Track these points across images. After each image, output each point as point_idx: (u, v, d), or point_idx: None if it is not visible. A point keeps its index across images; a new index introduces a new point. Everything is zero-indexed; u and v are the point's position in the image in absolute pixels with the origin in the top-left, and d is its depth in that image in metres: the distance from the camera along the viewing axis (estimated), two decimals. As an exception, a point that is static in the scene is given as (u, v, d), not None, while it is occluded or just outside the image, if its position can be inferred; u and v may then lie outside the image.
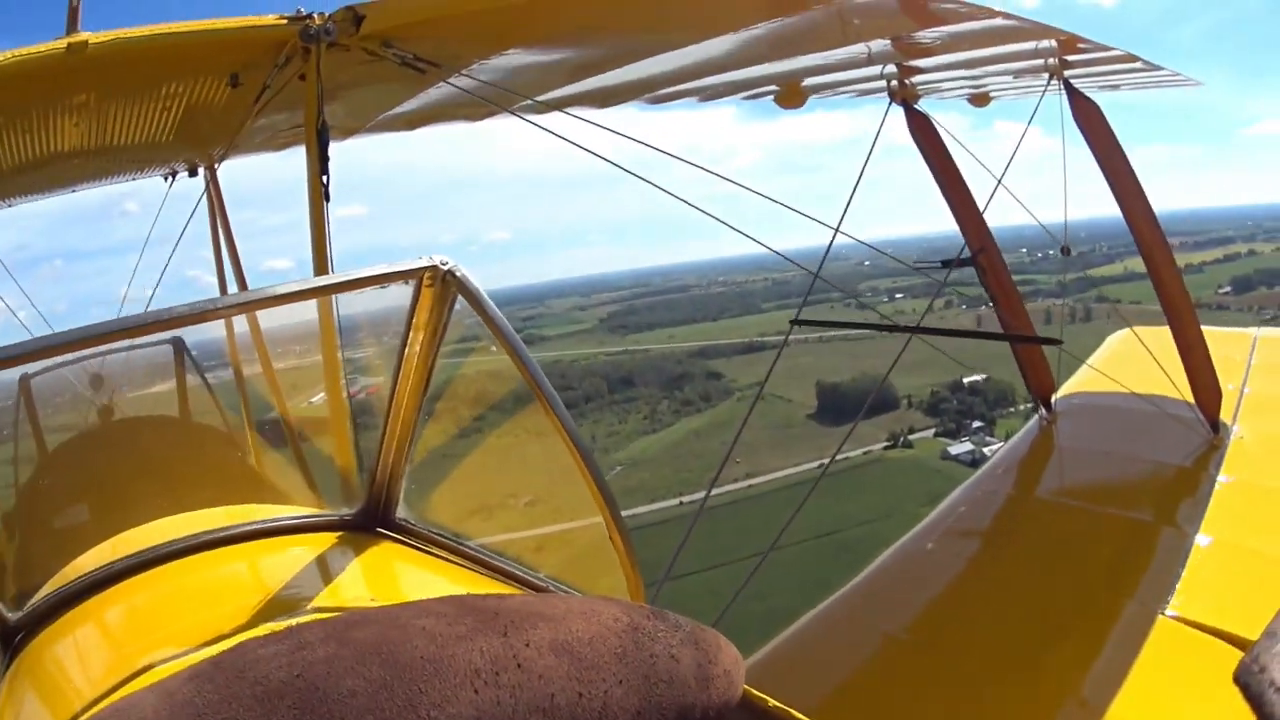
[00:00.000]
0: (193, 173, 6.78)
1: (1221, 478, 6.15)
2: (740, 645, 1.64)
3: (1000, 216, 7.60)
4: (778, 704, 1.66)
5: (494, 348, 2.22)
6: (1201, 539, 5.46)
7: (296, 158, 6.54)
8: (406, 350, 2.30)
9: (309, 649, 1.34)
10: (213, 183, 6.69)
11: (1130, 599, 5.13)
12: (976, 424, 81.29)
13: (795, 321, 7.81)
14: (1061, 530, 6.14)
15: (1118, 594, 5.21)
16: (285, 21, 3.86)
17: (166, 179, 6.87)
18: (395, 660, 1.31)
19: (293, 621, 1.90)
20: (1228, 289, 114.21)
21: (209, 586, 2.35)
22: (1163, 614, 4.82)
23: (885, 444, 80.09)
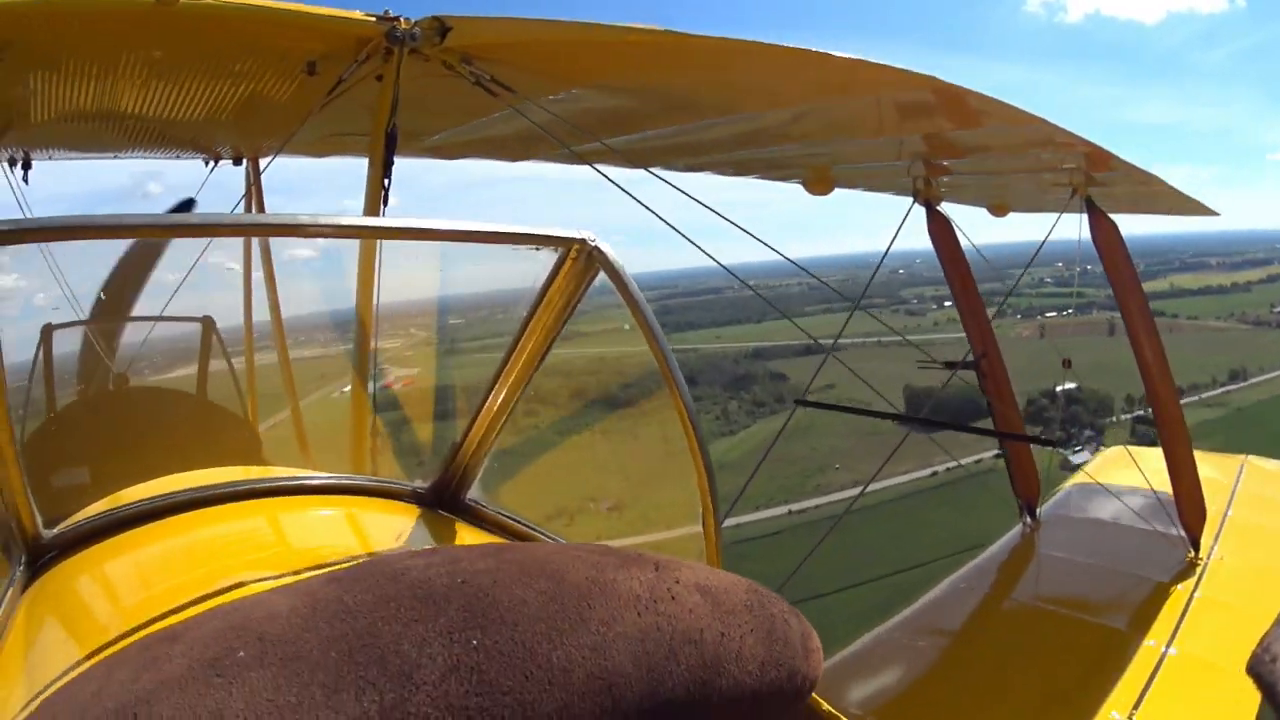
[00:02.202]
0: (237, 161, 6.80)
1: (1198, 595, 6.26)
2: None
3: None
4: (830, 709, 1.71)
5: (627, 326, 2.16)
6: (1174, 652, 5.54)
7: (336, 162, 6.73)
8: (531, 323, 2.20)
9: (465, 561, 1.31)
10: (255, 176, 6.72)
11: (1100, 703, 5.18)
12: (1088, 432, 77.83)
13: (800, 402, 8.04)
14: (1035, 633, 6.21)
15: (1086, 697, 5.25)
16: (374, 19, 3.90)
17: (208, 164, 6.88)
18: (561, 578, 1.30)
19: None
20: None
21: (270, 529, 2.29)
22: None
23: (996, 453, 76.15)
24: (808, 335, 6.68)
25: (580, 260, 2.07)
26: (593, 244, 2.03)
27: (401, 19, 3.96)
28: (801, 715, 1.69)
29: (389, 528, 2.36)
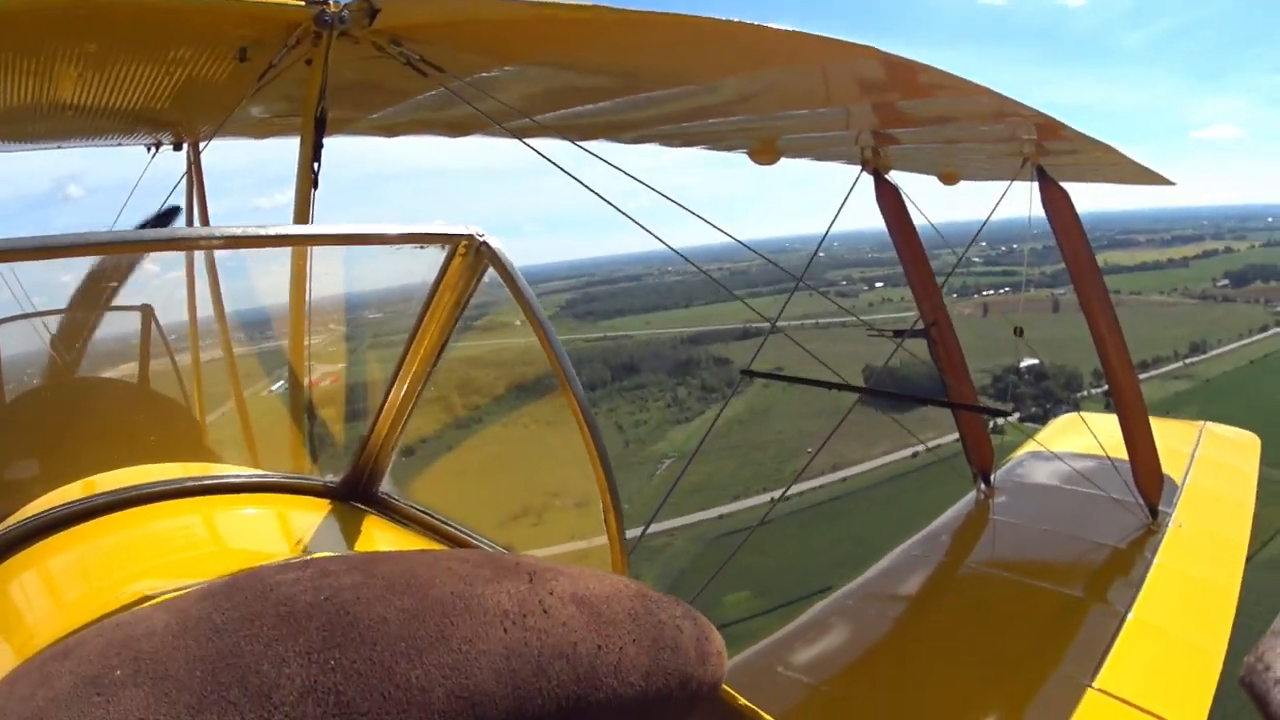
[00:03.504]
0: (177, 146, 6.71)
1: (1155, 561, 6.30)
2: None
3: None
4: (747, 703, 1.69)
5: (519, 322, 2.18)
6: (1132, 618, 5.59)
7: (279, 145, 6.66)
8: (424, 319, 2.23)
9: (333, 576, 1.32)
10: (195, 159, 6.65)
11: (1056, 669, 5.22)
12: (1064, 407, 79.24)
13: (746, 372, 8.00)
14: (990, 599, 6.25)
15: (1044, 663, 5.31)
16: (303, 3, 3.86)
17: (149, 149, 6.77)
18: (425, 593, 1.30)
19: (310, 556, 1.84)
20: (1225, 282, 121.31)
21: (182, 532, 2.30)
22: (1089, 686, 4.92)
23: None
24: (758, 314, 6.65)
25: (469, 256, 2.10)
26: (480, 239, 2.05)
27: (331, 2, 3.90)
28: (718, 713, 1.66)
29: (301, 525, 2.38)
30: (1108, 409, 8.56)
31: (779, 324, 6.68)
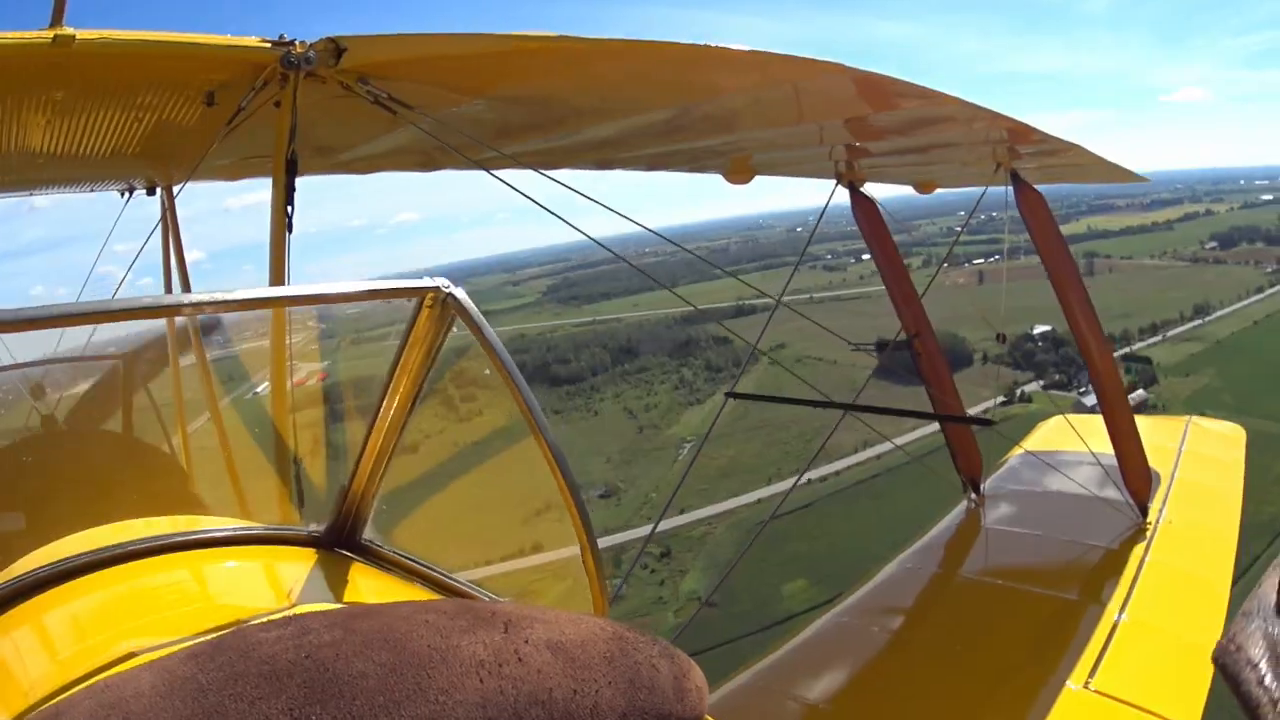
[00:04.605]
0: (150, 191, 6.68)
1: (1148, 559, 6.32)
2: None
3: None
4: None
5: (487, 371, 2.24)
6: (1125, 619, 5.60)
7: (250, 187, 6.66)
8: (398, 368, 2.28)
9: (314, 634, 1.37)
10: (169, 204, 6.63)
11: (1053, 673, 5.22)
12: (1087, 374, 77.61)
13: (730, 395, 8.08)
14: (986, 607, 6.26)
15: (1041, 668, 5.30)
16: (269, 45, 3.85)
17: (123, 194, 6.79)
18: (403, 647, 1.34)
19: (291, 611, 1.90)
20: (1213, 245, 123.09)
21: (169, 589, 2.32)
22: (1085, 688, 4.92)
23: (1003, 400, 74.60)
24: (758, 290, 6.69)
25: (436, 307, 2.15)
26: (446, 291, 2.12)
27: (296, 43, 3.88)
28: None
29: (287, 576, 2.43)
30: (1128, 372, 8.58)
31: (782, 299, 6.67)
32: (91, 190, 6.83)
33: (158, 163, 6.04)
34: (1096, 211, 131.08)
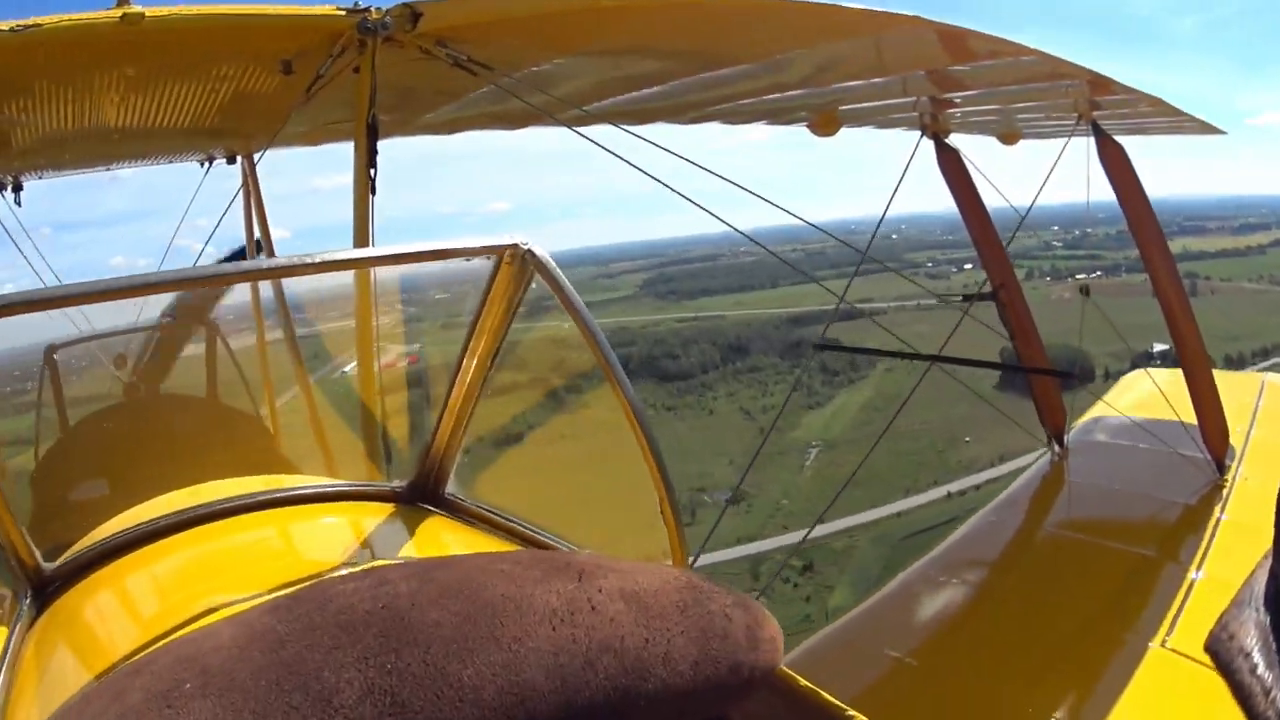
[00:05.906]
0: (230, 160, 6.81)
1: (1224, 518, 6.22)
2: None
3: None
4: (808, 684, 1.72)
5: (567, 325, 2.26)
6: (1202, 576, 5.53)
7: (330, 153, 6.73)
8: (477, 326, 2.31)
9: (391, 585, 1.40)
10: (250, 172, 6.73)
11: (1130, 630, 5.17)
12: None
13: (818, 345, 8.00)
14: (1066, 562, 6.19)
15: (1119, 625, 5.25)
16: (343, 12, 3.89)
17: (203, 165, 6.91)
18: (477, 597, 1.37)
19: (371, 564, 1.93)
20: None
21: (253, 546, 2.38)
22: (1162, 646, 4.88)
23: None
24: (837, 298, 6.64)
25: (515, 265, 2.17)
26: (524, 248, 2.13)
27: (372, 9, 3.93)
28: (777, 695, 1.70)
29: (370, 531, 2.48)
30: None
31: (876, 306, 6.61)
32: (171, 162, 6.94)
33: (236, 132, 6.13)
34: (1188, 233, 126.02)
